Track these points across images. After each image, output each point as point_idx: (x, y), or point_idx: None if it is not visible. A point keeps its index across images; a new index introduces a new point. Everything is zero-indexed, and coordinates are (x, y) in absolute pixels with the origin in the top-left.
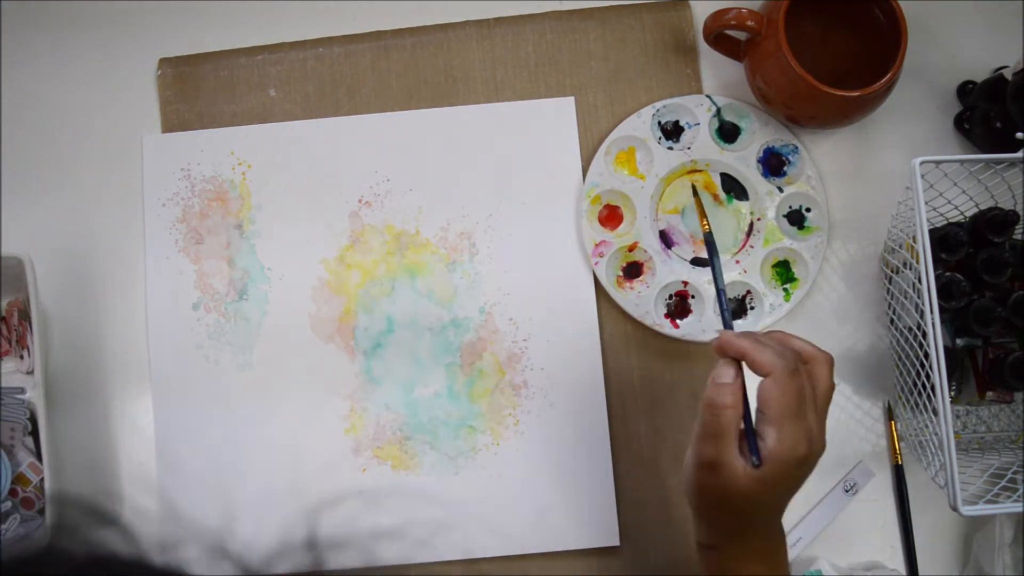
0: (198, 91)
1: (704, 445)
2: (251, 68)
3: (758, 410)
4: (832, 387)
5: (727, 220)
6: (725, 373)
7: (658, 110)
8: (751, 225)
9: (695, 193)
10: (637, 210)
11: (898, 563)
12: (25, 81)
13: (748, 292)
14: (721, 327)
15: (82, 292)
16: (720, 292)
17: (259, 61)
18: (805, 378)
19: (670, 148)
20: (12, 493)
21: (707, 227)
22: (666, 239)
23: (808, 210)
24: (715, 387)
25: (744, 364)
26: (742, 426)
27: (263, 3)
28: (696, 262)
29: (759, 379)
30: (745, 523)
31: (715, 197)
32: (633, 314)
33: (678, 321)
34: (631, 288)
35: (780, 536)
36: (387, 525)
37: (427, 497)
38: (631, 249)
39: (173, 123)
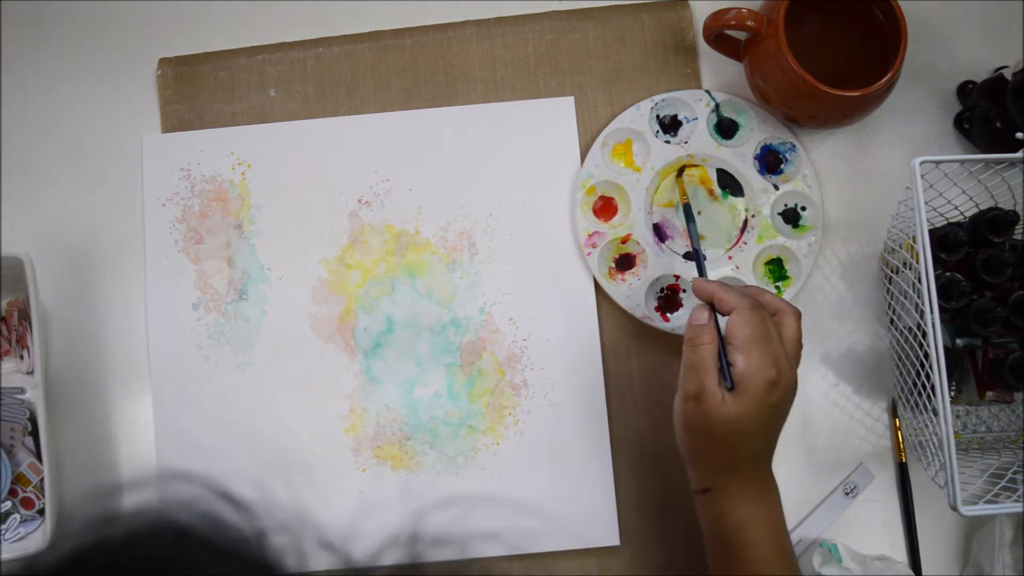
0: (198, 91)
1: (688, 379)
2: (251, 68)
3: (727, 342)
4: (799, 338)
5: (722, 216)
6: (700, 315)
7: (657, 104)
8: (745, 222)
9: (679, 174)
10: (632, 202)
11: (900, 560)
12: (25, 81)
13: None
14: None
15: (82, 292)
16: (696, 250)
17: (259, 61)
18: (771, 323)
19: (667, 142)
20: (12, 493)
21: (687, 199)
22: (659, 232)
23: (803, 209)
24: (693, 327)
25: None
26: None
27: (263, 3)
28: (689, 256)
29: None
30: (732, 456)
31: (711, 192)
32: (624, 306)
33: (668, 315)
34: (623, 280)
35: (770, 479)
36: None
37: (522, 506)
38: (624, 241)
39: (173, 123)
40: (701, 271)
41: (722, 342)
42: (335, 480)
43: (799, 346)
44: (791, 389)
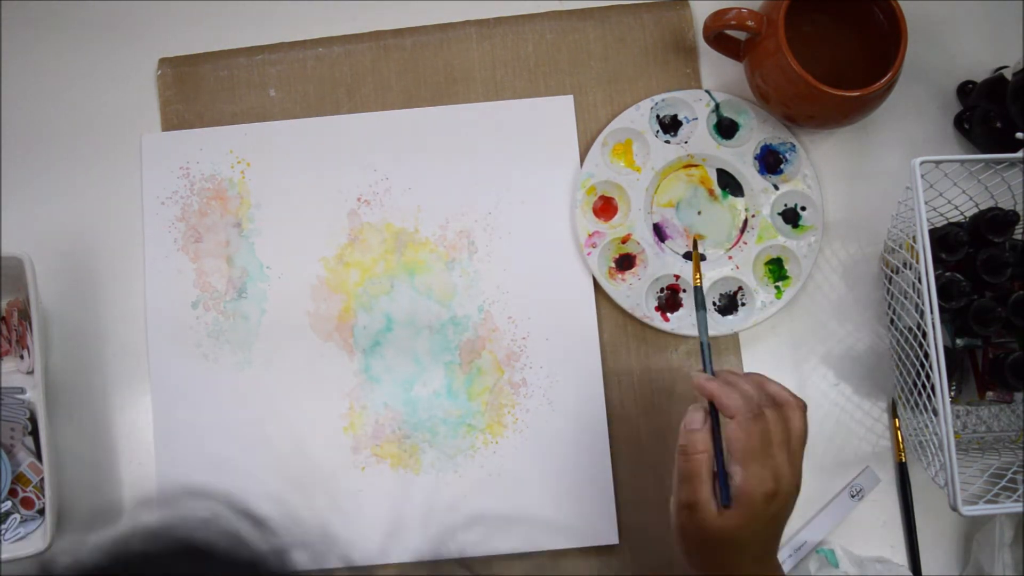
0: (198, 91)
1: (681, 488)
2: (251, 68)
3: (727, 451)
4: (805, 432)
5: (722, 215)
6: (695, 419)
7: (657, 103)
8: (745, 222)
9: (695, 246)
10: (632, 202)
11: (900, 561)
12: (25, 81)
13: (740, 288)
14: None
15: (82, 292)
16: (703, 345)
17: (259, 61)
18: (774, 422)
19: (667, 142)
20: (12, 493)
21: (699, 281)
22: (659, 232)
23: (803, 209)
24: (686, 433)
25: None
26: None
27: (263, 3)
28: (689, 256)
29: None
30: (731, 563)
31: (710, 192)
32: (623, 306)
33: (668, 314)
34: (623, 280)
35: (774, 568)
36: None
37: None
38: (624, 241)
39: (173, 123)
40: (705, 365)
41: (720, 451)
42: (334, 478)
43: (803, 442)
44: (791, 496)
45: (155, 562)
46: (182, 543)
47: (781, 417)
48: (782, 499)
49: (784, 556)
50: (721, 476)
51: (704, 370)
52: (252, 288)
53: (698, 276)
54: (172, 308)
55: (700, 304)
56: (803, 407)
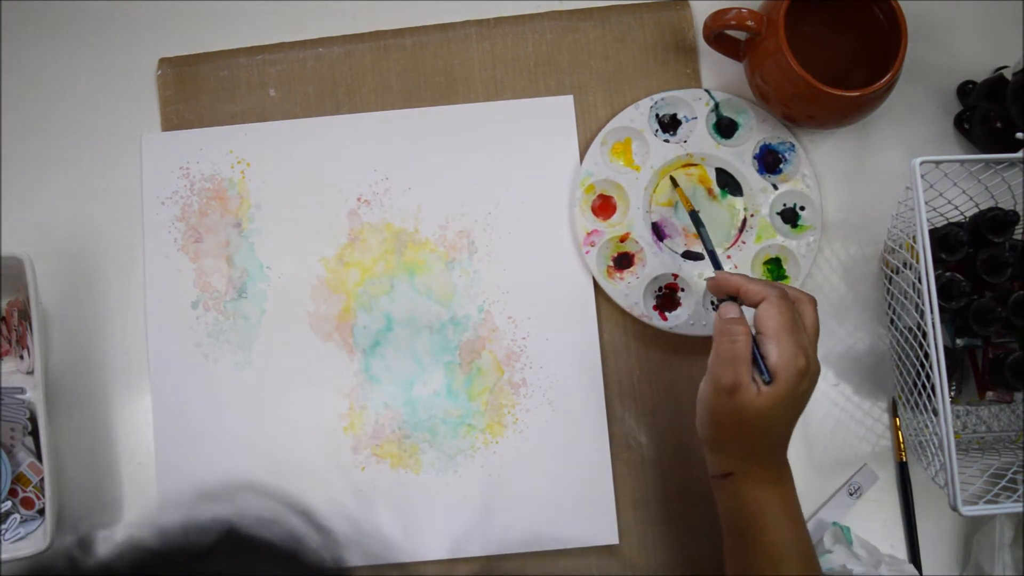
0: (198, 91)
1: (723, 372)
2: (251, 68)
3: (757, 332)
4: (817, 325)
5: (720, 215)
6: (731, 308)
7: (656, 103)
8: (744, 221)
9: (675, 184)
10: (630, 201)
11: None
12: (25, 81)
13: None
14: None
15: (82, 292)
16: (711, 250)
17: (259, 61)
18: (796, 311)
19: (666, 141)
20: (12, 493)
21: (691, 206)
22: (658, 231)
23: (802, 208)
24: (725, 320)
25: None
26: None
27: (263, 3)
28: (687, 255)
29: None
30: (757, 443)
31: (709, 192)
32: (622, 304)
33: (667, 314)
34: (621, 279)
35: (786, 464)
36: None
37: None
38: (623, 240)
39: (173, 123)
40: (718, 265)
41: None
42: (334, 478)
43: (817, 333)
44: (816, 375)
45: (213, 556)
46: (242, 539)
47: (798, 309)
48: (811, 377)
49: None
50: (758, 358)
51: (712, 261)
52: (252, 288)
53: (689, 204)
54: (172, 308)
55: (698, 223)
56: (814, 302)
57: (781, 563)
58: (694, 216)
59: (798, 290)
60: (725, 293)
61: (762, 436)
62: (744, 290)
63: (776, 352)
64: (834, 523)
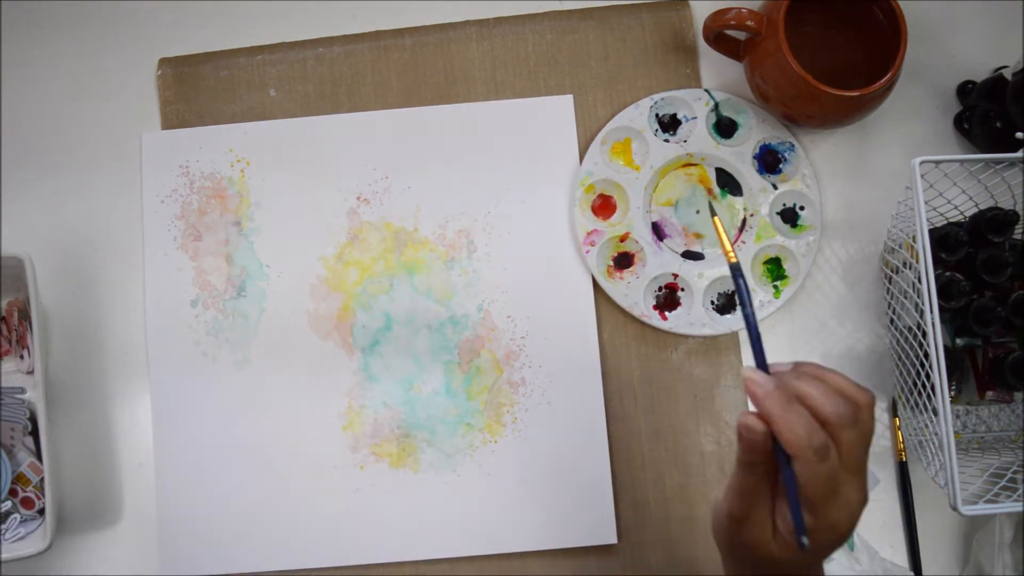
0: (198, 91)
1: (735, 499)
2: (251, 68)
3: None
4: (873, 430)
5: (720, 215)
6: (755, 424)
7: (656, 102)
8: (744, 221)
9: (713, 213)
10: (630, 201)
11: (900, 561)
12: (25, 81)
13: None
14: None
15: (82, 292)
16: (751, 325)
17: (259, 61)
18: (856, 437)
19: (666, 140)
20: (12, 493)
21: (734, 257)
22: (658, 231)
23: (802, 208)
24: (745, 439)
25: None
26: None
27: (263, 3)
28: (687, 255)
29: None
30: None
31: (709, 191)
32: (622, 304)
33: (667, 313)
34: (621, 279)
35: None
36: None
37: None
38: (623, 239)
39: (173, 123)
40: (758, 358)
41: (790, 472)
42: (333, 477)
43: (870, 441)
44: (856, 521)
45: None
46: None
47: (860, 433)
48: (848, 533)
49: None
50: (795, 514)
51: (754, 354)
52: (251, 287)
53: (731, 252)
54: (171, 306)
55: (738, 272)
56: (873, 403)
57: None
58: (735, 270)
59: (855, 388)
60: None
61: (784, 572)
62: (776, 430)
63: (810, 521)
64: None
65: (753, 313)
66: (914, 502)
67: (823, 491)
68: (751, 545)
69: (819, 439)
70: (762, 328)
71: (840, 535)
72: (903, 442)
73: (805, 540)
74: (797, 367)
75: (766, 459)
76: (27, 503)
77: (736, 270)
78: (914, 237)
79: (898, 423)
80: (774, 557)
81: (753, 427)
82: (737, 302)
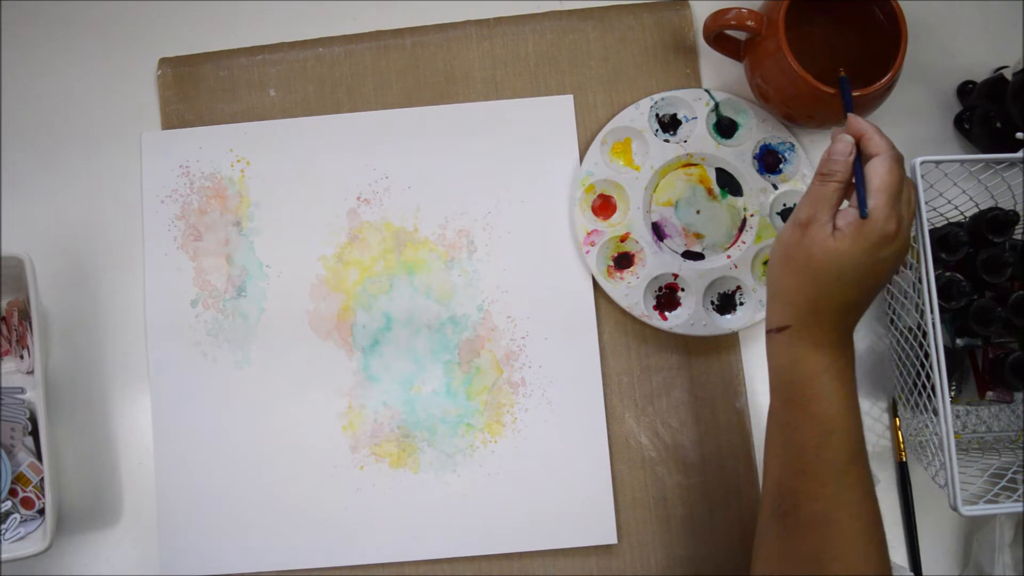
0: (198, 91)
1: (804, 206)
2: (251, 68)
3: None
4: (915, 211)
5: (720, 215)
6: (843, 148)
7: (656, 102)
8: (744, 221)
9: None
10: (630, 201)
11: (900, 560)
12: (25, 81)
13: (738, 287)
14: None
15: (82, 292)
16: (846, 90)
17: (259, 61)
18: (907, 181)
19: (666, 140)
20: (12, 493)
21: (842, 72)
22: (658, 231)
23: None
24: (832, 159)
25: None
26: (841, 205)
27: (263, 3)
28: (687, 255)
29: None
30: (821, 295)
31: (709, 192)
32: (622, 304)
33: (667, 313)
34: (621, 279)
35: (850, 338)
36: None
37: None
38: (623, 239)
39: (173, 123)
40: (849, 106)
41: (860, 176)
42: (333, 477)
43: (914, 217)
44: (902, 252)
45: None
46: None
47: (910, 184)
48: (896, 248)
49: None
50: (860, 187)
51: (844, 100)
52: (251, 287)
53: (841, 70)
54: (171, 306)
55: (845, 86)
56: (915, 189)
57: (830, 437)
58: (844, 85)
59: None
60: (851, 135)
61: (828, 287)
62: (868, 138)
63: (871, 205)
64: None
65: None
66: (914, 502)
67: (895, 181)
68: (811, 243)
69: (898, 153)
70: (763, 328)
71: (886, 234)
72: (903, 442)
73: (866, 211)
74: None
75: (844, 170)
76: (27, 503)
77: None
78: (914, 237)
79: (898, 423)
80: (827, 252)
81: (840, 147)
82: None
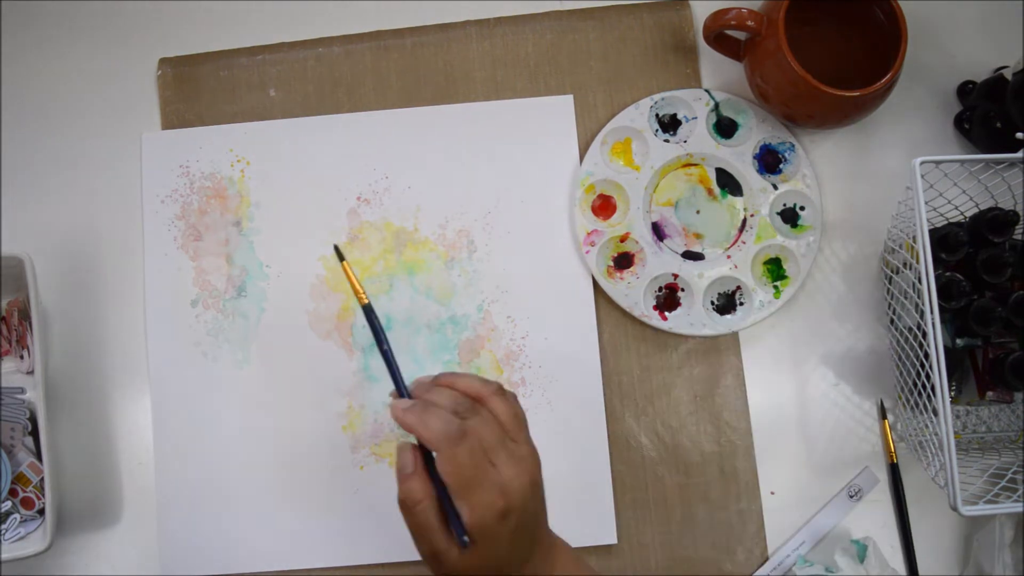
0: (198, 91)
1: (417, 543)
2: (251, 68)
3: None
4: (517, 412)
5: (720, 215)
6: (406, 461)
7: (656, 102)
8: (744, 221)
9: (340, 257)
10: (630, 201)
11: (898, 563)
12: (25, 81)
13: (738, 288)
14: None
15: (82, 292)
16: (389, 357)
17: (259, 61)
18: (482, 427)
19: (666, 141)
20: (12, 493)
21: (365, 299)
22: (658, 231)
23: (802, 208)
24: (401, 483)
25: None
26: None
27: (263, 3)
28: (687, 255)
29: None
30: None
31: (709, 192)
32: (622, 304)
33: (667, 313)
34: (621, 279)
35: (553, 538)
36: None
37: None
38: (623, 240)
39: (173, 123)
40: (398, 386)
41: (442, 486)
42: (333, 477)
43: (520, 420)
44: (527, 492)
45: None
46: None
47: (485, 417)
48: (517, 507)
49: (776, 562)
50: (452, 516)
51: (395, 383)
52: (251, 287)
53: (363, 295)
54: (171, 306)
55: (373, 318)
56: (498, 390)
57: None
58: (368, 311)
59: (480, 383)
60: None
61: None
62: (419, 437)
63: (466, 510)
64: (852, 540)
65: (390, 348)
66: (913, 503)
67: (467, 472)
68: (454, 571)
69: (454, 426)
70: (763, 328)
71: (497, 514)
72: (893, 444)
73: (466, 538)
74: (435, 379)
75: (424, 494)
76: (27, 503)
77: (369, 310)
78: (914, 237)
79: (887, 425)
80: (470, 569)
81: (402, 462)
82: (374, 341)
